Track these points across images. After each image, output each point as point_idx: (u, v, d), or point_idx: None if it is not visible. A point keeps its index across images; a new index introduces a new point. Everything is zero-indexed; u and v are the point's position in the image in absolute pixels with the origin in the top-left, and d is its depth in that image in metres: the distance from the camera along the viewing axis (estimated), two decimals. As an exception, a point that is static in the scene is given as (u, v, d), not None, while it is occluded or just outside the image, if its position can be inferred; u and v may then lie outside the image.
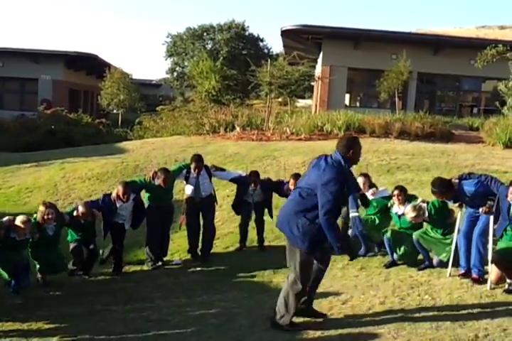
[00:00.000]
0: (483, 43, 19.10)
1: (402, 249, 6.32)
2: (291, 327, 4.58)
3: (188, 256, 7.53)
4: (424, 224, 6.44)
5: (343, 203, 4.49)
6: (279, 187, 7.67)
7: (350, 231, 6.96)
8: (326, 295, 5.47)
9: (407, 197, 6.60)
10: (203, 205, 7.52)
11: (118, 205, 6.99)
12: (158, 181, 7.11)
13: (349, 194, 4.43)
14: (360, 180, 6.95)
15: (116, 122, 29.41)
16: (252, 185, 7.53)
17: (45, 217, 6.35)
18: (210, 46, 45.75)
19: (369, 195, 6.86)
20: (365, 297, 5.32)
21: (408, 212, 6.21)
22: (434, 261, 6.15)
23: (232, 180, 7.86)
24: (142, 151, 14.70)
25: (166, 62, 49.70)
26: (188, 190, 7.55)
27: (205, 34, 46.42)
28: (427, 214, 6.24)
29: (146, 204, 7.33)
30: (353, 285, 5.73)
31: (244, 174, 7.73)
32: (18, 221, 5.98)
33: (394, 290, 5.25)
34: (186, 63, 44.32)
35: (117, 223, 7.05)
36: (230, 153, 13.65)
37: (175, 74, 47.86)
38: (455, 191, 5.60)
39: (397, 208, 6.63)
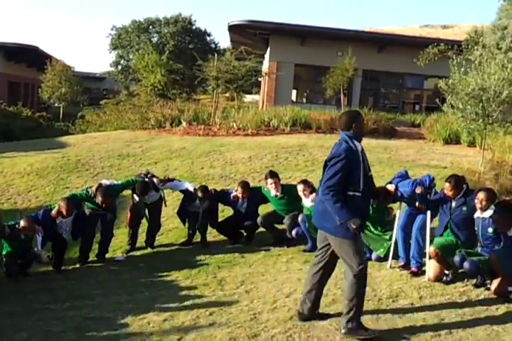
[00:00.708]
0: (426, 42, 19.61)
1: None
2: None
3: (132, 253, 7.37)
4: None
5: (354, 183, 4.18)
6: (225, 197, 7.66)
7: (294, 231, 7.00)
8: (270, 288, 5.46)
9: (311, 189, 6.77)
10: (149, 208, 7.55)
11: (58, 221, 6.75)
12: (97, 200, 6.91)
13: (361, 173, 4.21)
14: (299, 188, 7.01)
15: (57, 116, 28.60)
16: (201, 198, 7.43)
17: None
18: (156, 39, 45.14)
19: (309, 201, 6.83)
20: (308, 290, 5.34)
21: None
22: (373, 257, 6.24)
23: (181, 192, 7.82)
24: (84, 146, 14.32)
25: (111, 55, 48.85)
26: (135, 197, 7.50)
27: (150, 27, 45.77)
28: None
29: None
30: (297, 278, 5.75)
31: (191, 188, 7.61)
32: None
33: (336, 283, 5.29)
34: (131, 56, 43.50)
35: (57, 234, 6.82)
36: (176, 148, 13.48)
37: (119, 67, 46.99)
38: (393, 196, 5.76)
39: (308, 202, 6.79)
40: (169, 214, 8.35)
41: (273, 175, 7.40)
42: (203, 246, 7.35)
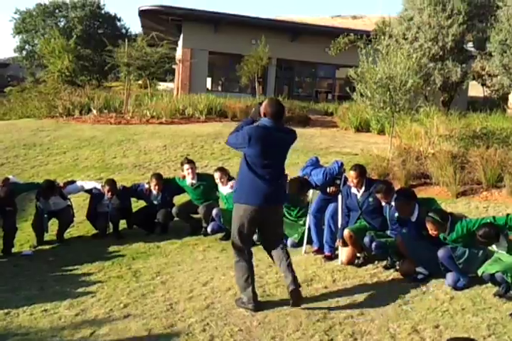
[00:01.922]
0: (337, 32, 20.14)
1: None
2: None
3: (41, 247, 7.03)
4: None
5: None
6: (136, 191, 7.47)
7: (209, 227, 6.96)
8: (186, 278, 5.40)
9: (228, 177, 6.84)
10: (56, 216, 7.24)
11: None
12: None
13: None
14: (216, 176, 6.99)
15: (-44, 103, 26.71)
16: (109, 194, 7.16)
17: None
18: (62, 24, 43.18)
19: (228, 188, 6.86)
20: (225, 278, 5.34)
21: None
22: (288, 243, 6.32)
23: (86, 192, 7.50)
24: (-13, 135, 13.48)
25: (14, 39, 46.24)
26: (39, 204, 7.18)
27: (57, 11, 43.71)
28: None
29: None
30: (214, 266, 5.73)
31: (99, 186, 7.33)
32: None
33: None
34: (37, 41, 41.38)
35: None
36: (86, 136, 13.00)
37: (24, 52, 44.58)
38: (308, 186, 5.94)
39: (225, 189, 6.83)
40: (80, 205, 8.04)
41: (189, 161, 7.33)
42: (116, 238, 7.13)
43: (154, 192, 7.30)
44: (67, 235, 7.32)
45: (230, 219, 6.50)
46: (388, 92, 9.57)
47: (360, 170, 5.73)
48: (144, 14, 24.15)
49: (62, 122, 15.00)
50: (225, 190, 6.95)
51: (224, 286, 5.09)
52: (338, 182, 5.88)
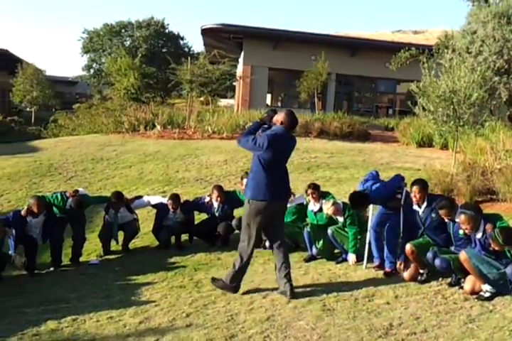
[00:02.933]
0: (398, 47, 19.93)
1: (321, 243, 6.42)
2: None
3: (107, 257, 7.29)
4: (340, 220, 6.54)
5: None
6: (198, 205, 7.67)
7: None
8: (247, 290, 5.45)
9: (321, 194, 6.71)
10: (122, 228, 7.51)
11: (28, 220, 6.70)
12: (71, 203, 6.95)
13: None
14: (309, 192, 6.99)
15: (29, 120, 28.14)
16: (172, 208, 7.41)
17: None
18: (128, 43, 44.78)
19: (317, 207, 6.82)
20: (285, 291, 5.35)
21: (327, 206, 6.30)
22: (349, 258, 6.27)
23: (153, 206, 7.80)
24: (57, 150, 14.15)
25: (83, 58, 48.22)
26: (107, 217, 7.51)
27: (123, 31, 45.38)
28: (341, 207, 6.36)
29: None
30: (274, 279, 5.74)
31: (164, 200, 7.59)
32: None
33: (313, 283, 5.31)
34: (104, 60, 43.08)
35: (28, 236, 6.73)
36: (150, 151, 13.40)
37: (92, 71, 46.46)
38: (369, 201, 5.89)
39: (312, 205, 6.71)
40: (144, 217, 8.29)
41: None
42: (178, 249, 7.30)
43: (215, 204, 7.44)
44: (131, 246, 7.56)
45: (289, 232, 6.58)
46: (452, 106, 9.37)
47: (422, 185, 5.64)
48: (206, 32, 24.76)
49: (128, 137, 15.53)
50: (313, 207, 6.93)
51: (284, 299, 5.10)
52: (399, 196, 5.79)
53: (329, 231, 6.30)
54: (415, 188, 5.58)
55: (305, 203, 6.95)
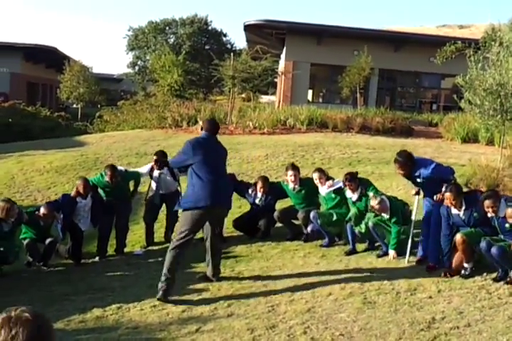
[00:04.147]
0: (443, 41, 19.46)
1: (363, 227, 6.40)
2: None
3: (151, 247, 7.45)
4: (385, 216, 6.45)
5: None
6: (242, 188, 7.73)
7: (309, 227, 7.02)
8: (287, 282, 5.48)
9: (359, 182, 6.66)
10: (166, 201, 7.60)
11: (78, 202, 6.93)
12: (107, 176, 7.17)
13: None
14: (315, 176, 7.03)
15: (75, 116, 28.88)
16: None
17: (7, 213, 6.20)
18: (172, 40, 45.39)
19: (326, 188, 6.93)
20: (326, 283, 5.36)
21: (374, 202, 6.23)
22: (390, 254, 6.22)
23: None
24: (102, 144, 14.47)
25: (128, 56, 49.07)
26: (152, 185, 7.66)
27: (167, 28, 46.02)
28: (388, 205, 6.28)
29: None
30: (314, 272, 5.77)
31: None
32: None
33: (354, 276, 5.30)
34: (148, 57, 43.78)
35: (74, 224, 6.96)
36: (192, 146, 13.55)
37: (136, 68, 47.29)
38: (413, 167, 5.74)
39: (350, 194, 6.69)
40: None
41: (294, 167, 7.43)
42: (220, 241, 7.37)
43: (259, 194, 7.47)
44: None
45: (328, 221, 6.61)
46: (499, 99, 9.15)
47: (456, 189, 5.51)
48: (248, 29, 24.86)
49: (171, 133, 15.75)
50: (323, 190, 6.99)
51: (325, 291, 5.11)
52: (444, 189, 5.65)
53: (370, 223, 6.26)
54: (449, 195, 5.43)
55: (343, 188, 6.91)
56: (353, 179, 6.65)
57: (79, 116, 28.92)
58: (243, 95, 28.01)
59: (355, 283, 5.22)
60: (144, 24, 47.02)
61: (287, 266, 6.11)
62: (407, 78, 26.91)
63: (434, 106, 26.41)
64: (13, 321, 1.80)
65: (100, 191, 7.31)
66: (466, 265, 5.41)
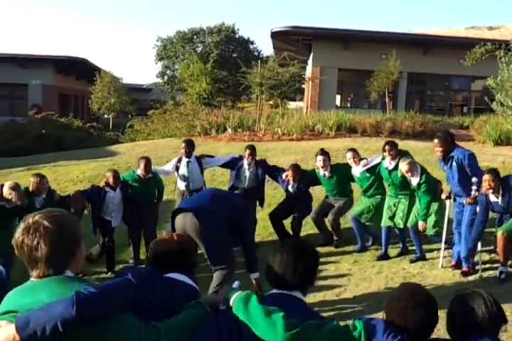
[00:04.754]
0: (472, 42, 19.24)
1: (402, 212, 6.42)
2: None
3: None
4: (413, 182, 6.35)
5: None
6: (275, 173, 7.69)
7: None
8: (319, 288, 5.48)
9: (398, 152, 6.59)
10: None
11: (107, 190, 6.97)
12: (139, 171, 7.24)
13: None
14: (348, 156, 7.04)
15: (107, 126, 29.35)
16: (249, 158, 7.47)
17: (38, 185, 6.16)
18: (200, 49, 45.79)
19: (361, 167, 6.92)
20: (358, 289, 5.34)
21: (402, 164, 6.17)
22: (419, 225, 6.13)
23: (224, 165, 7.88)
24: (134, 153, 14.68)
25: (157, 65, 49.64)
26: (179, 183, 7.73)
27: (195, 37, 46.47)
28: (419, 170, 6.23)
29: None
30: (347, 278, 5.75)
31: (237, 155, 7.76)
32: (6, 187, 5.81)
33: (387, 282, 5.28)
34: (177, 66, 44.30)
35: (104, 219, 7.06)
36: (222, 153, 13.63)
37: (165, 77, 47.84)
38: (451, 147, 5.88)
39: (388, 163, 6.61)
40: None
41: (324, 152, 7.34)
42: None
43: (291, 182, 7.45)
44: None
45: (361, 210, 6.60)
46: (532, 101, 9.00)
47: (495, 172, 5.46)
48: (275, 36, 24.94)
49: (201, 141, 15.88)
50: (357, 170, 6.96)
51: (357, 298, 5.10)
52: (475, 193, 5.59)
53: (410, 226, 6.25)
54: (488, 176, 5.37)
55: (381, 159, 6.85)
56: (395, 145, 6.62)
57: (110, 126, 29.37)
58: (271, 102, 28.08)
59: (388, 289, 5.19)
60: (172, 34, 47.64)
61: (319, 273, 6.09)
62: (436, 81, 26.60)
63: (465, 109, 26.03)
64: (31, 232, 1.66)
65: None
66: (500, 268, 5.32)
